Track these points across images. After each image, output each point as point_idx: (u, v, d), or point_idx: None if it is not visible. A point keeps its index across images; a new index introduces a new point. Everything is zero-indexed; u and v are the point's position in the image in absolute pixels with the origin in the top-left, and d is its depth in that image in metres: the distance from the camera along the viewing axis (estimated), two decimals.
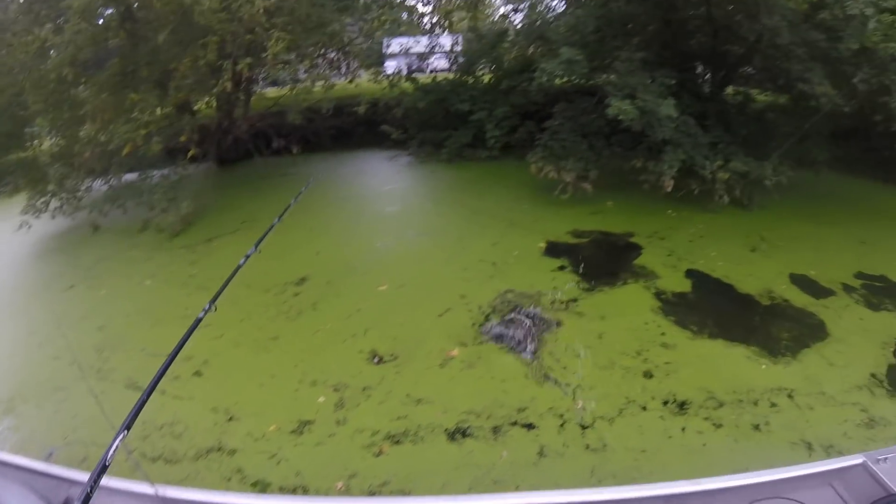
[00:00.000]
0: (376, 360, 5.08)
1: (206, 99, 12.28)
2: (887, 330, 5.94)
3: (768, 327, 5.84)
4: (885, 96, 8.10)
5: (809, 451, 4.12)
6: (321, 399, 4.55)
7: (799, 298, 6.49)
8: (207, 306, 3.26)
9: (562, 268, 7.03)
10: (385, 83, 11.88)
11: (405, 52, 15.92)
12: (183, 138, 9.66)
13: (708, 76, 11.68)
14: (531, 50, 11.70)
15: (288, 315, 5.89)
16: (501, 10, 12.46)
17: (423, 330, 5.57)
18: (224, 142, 12.70)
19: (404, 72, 14.24)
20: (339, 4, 11.19)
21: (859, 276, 7.30)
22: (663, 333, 5.60)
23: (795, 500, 1.77)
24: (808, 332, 5.80)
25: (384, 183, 11.40)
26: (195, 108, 12.18)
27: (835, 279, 7.07)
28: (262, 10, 8.40)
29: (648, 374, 4.99)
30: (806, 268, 7.33)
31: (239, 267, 3.93)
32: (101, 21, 9.20)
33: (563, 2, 13.01)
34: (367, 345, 5.30)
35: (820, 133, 10.04)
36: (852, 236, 8.81)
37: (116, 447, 1.67)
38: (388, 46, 16.32)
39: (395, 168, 12.68)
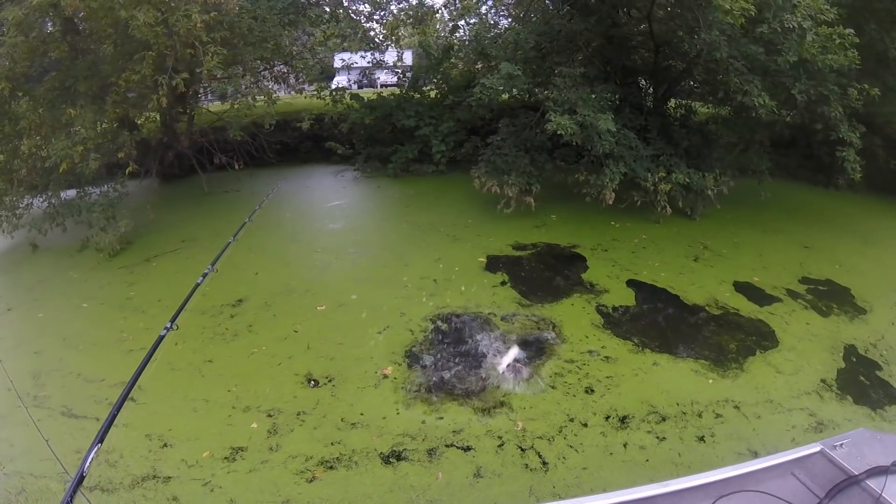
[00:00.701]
0: (311, 383, 4.89)
1: (149, 114, 11.93)
2: (835, 334, 5.98)
3: (713, 337, 5.77)
4: (824, 106, 8.28)
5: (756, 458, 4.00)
6: (254, 425, 4.40)
7: (744, 306, 6.48)
8: (169, 324, 3.55)
9: (503, 283, 6.87)
10: (328, 99, 11.62)
11: (352, 67, 15.69)
12: (122, 155, 9.16)
13: (651, 90, 11.82)
14: (479, 65, 11.69)
15: (224, 337, 5.68)
16: (449, 26, 12.30)
17: (360, 350, 5.39)
18: (166, 158, 12.30)
19: (354, 86, 14.07)
20: (284, 19, 10.98)
21: (804, 280, 7.39)
22: (604, 347, 5.45)
23: (760, 492, 1.81)
24: (755, 340, 5.75)
25: (329, 199, 11.11)
26: (138, 122, 11.75)
27: (780, 285, 7.11)
28: (199, 25, 8.14)
29: (589, 390, 4.83)
30: (750, 275, 7.37)
31: (197, 285, 4.13)
32: (42, 32, 8.85)
33: (508, 18, 13.19)
34: (302, 367, 5.11)
35: (761, 143, 10.27)
36: (796, 242, 8.95)
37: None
38: (340, 61, 16.12)
39: (341, 184, 12.42)
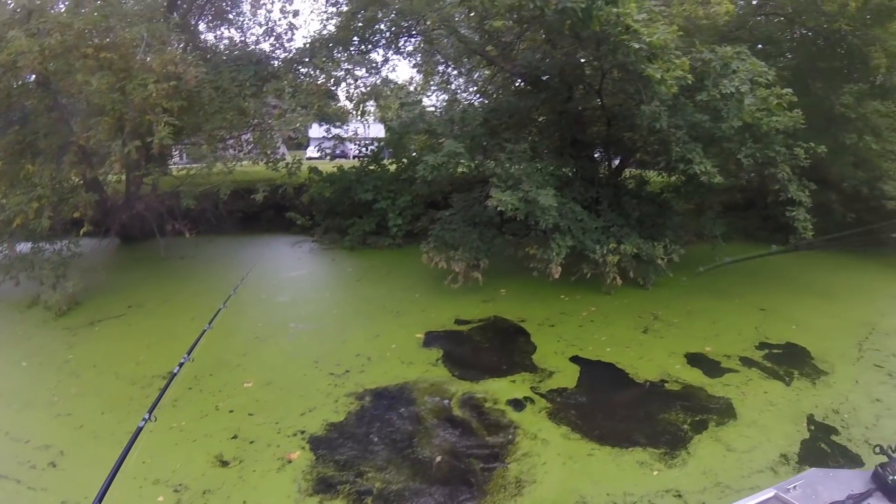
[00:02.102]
0: (221, 462, 4.67)
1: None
2: (797, 402, 5.68)
3: (658, 417, 5.42)
4: (771, 168, 8.32)
5: None
6: (160, 498, 4.27)
7: (697, 379, 6.18)
8: (147, 415, 3.75)
9: (439, 360, 6.60)
10: (283, 170, 11.67)
11: (324, 138, 15.91)
12: (77, 214, 9.26)
13: (606, 162, 12.03)
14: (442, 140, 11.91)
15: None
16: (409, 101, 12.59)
17: (275, 431, 5.10)
18: (127, 219, 12.10)
19: (327, 157, 14.30)
20: (245, 91, 11.06)
21: (761, 346, 7.18)
22: (539, 430, 5.10)
23: None
24: (707, 416, 5.42)
25: (281, 270, 10.97)
26: (102, 182, 11.72)
27: (734, 353, 6.87)
28: (155, 95, 8.27)
29: (518, 483, 4.42)
30: (702, 345, 7.14)
31: (174, 375, 4.48)
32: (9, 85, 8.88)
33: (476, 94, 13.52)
34: (216, 446, 4.87)
35: (712, 208, 10.26)
36: (752, 305, 8.83)
37: None
38: (322, 131, 16.37)
39: (297, 255, 12.33)
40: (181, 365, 4.33)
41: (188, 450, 4.82)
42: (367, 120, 15.09)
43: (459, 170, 8.12)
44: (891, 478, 2.07)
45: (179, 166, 13.85)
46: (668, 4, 8.64)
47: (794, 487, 2.05)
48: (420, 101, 9.02)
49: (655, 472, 4.52)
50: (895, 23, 9.77)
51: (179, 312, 8.17)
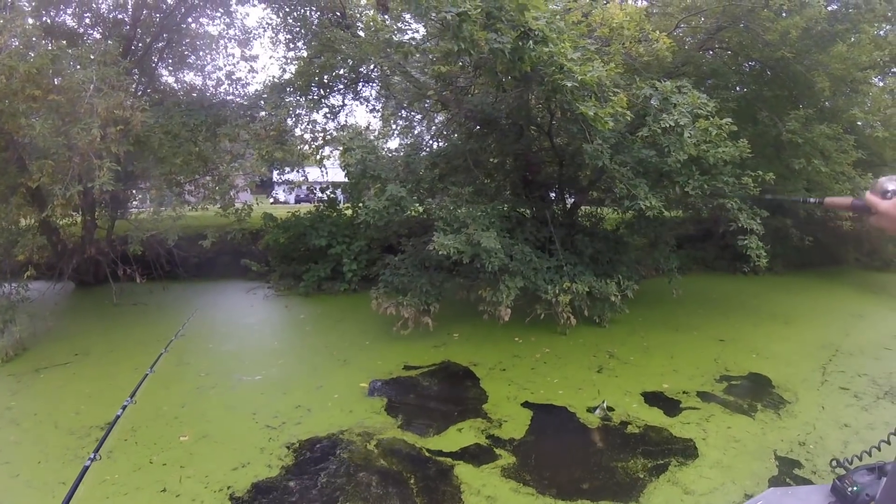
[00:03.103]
0: None
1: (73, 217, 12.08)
2: (762, 436, 5.48)
3: (611, 463, 5.13)
4: (721, 198, 8.37)
5: None
6: None
7: (654, 419, 5.95)
8: (93, 455, 3.74)
9: (382, 409, 6.32)
10: (232, 216, 11.53)
11: (280, 182, 15.90)
12: (21, 257, 9.27)
13: (561, 201, 12.08)
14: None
15: (83, 461, 5.04)
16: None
17: (206, 486, 4.85)
18: (81, 263, 12.10)
19: (292, 200, 14.20)
20: (197, 135, 11.02)
21: (722, 378, 7.04)
22: (484, 485, 4.76)
23: None
24: (664, 459, 5.13)
25: (233, 317, 10.66)
26: (58, 225, 11.70)
27: (694, 388, 6.71)
28: (98, 140, 8.16)
29: None
30: (659, 382, 6.97)
31: (118, 417, 4.55)
32: None
33: (427, 135, 13.59)
34: (147, 500, 4.65)
35: (666, 242, 10.28)
36: (711, 336, 8.77)
37: None
38: (271, 173, 16.33)
39: (250, 301, 12.03)
40: (124, 408, 4.31)
41: (119, 502, 4.63)
42: (324, 165, 15.12)
43: (406, 214, 8.03)
44: (850, 489, 2.06)
45: (139, 210, 13.75)
46: (608, 44, 8.77)
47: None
48: (368, 145, 8.91)
49: None
50: (835, 47, 10.05)
51: (124, 360, 7.96)
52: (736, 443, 5.36)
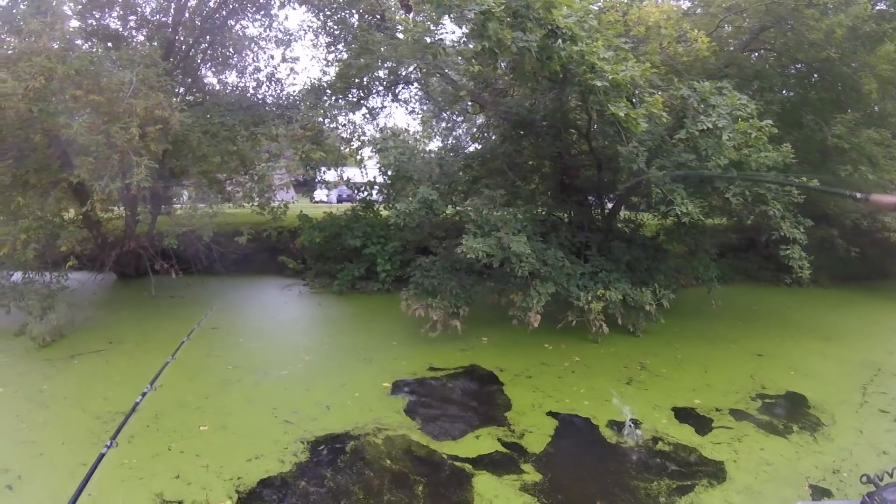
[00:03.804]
0: (163, 501, 4.56)
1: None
2: (796, 459, 5.20)
3: (635, 482, 4.90)
4: (763, 205, 8.03)
5: None
6: None
7: (684, 437, 5.69)
8: (109, 442, 4.12)
9: (403, 410, 6.25)
10: (268, 214, 11.71)
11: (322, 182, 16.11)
12: (64, 248, 9.36)
13: (600, 206, 11.76)
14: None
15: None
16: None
17: (218, 476, 4.91)
18: (122, 256, 12.41)
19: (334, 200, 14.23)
20: (241, 135, 11.21)
21: (758, 396, 6.74)
22: (496, 496, 4.61)
23: None
24: (690, 481, 4.87)
25: (265, 315, 10.77)
26: (95, 219, 12.02)
27: (727, 406, 6.42)
28: (138, 137, 8.40)
29: None
30: (691, 397, 6.71)
31: (136, 404, 4.95)
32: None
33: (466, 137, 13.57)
34: (160, 486, 4.72)
35: (706, 251, 9.90)
36: (748, 350, 8.43)
37: None
38: (322, 173, 16.61)
39: (285, 299, 12.14)
40: (144, 395, 4.54)
41: (133, 487, 4.72)
42: (364, 166, 15.21)
43: (440, 217, 7.94)
44: None
45: (180, 207, 14.09)
46: (644, 43, 8.52)
47: None
48: (402, 146, 8.90)
49: None
50: (883, 47, 9.55)
51: (155, 350, 8.09)
52: (768, 466, 5.09)
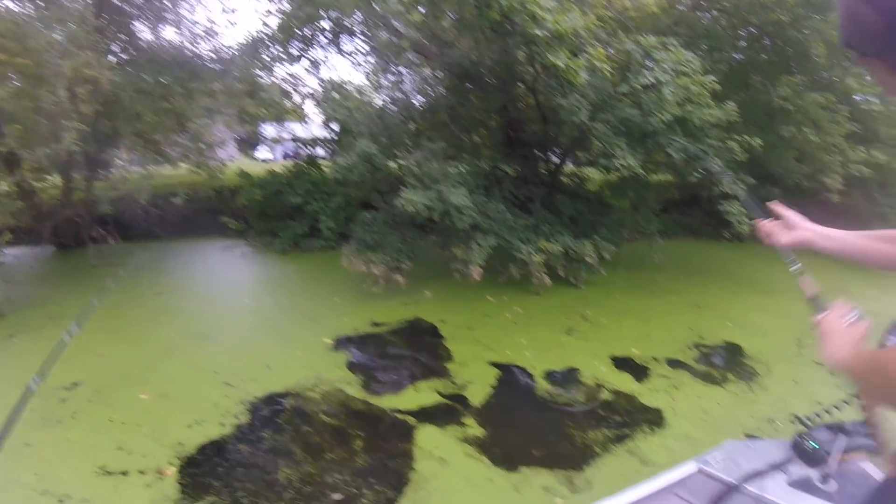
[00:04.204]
0: (105, 474, 4.54)
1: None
2: (733, 408, 5.34)
3: (571, 430, 4.97)
4: (703, 161, 8.14)
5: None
6: None
7: (623, 385, 5.80)
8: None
9: (345, 366, 6.24)
10: (204, 173, 11.32)
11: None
12: None
13: (544, 160, 11.74)
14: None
15: (48, 422, 5.28)
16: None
17: (158, 444, 4.84)
18: (59, 226, 11.88)
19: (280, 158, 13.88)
20: (175, 92, 10.70)
21: (696, 346, 6.89)
22: (436, 447, 4.66)
23: None
24: (627, 430, 4.94)
25: (206, 277, 10.57)
26: (32, 188, 11.55)
27: (664, 355, 6.55)
28: (66, 100, 8.03)
29: None
30: (629, 346, 6.81)
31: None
32: None
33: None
34: (102, 458, 4.64)
35: (648, 205, 10.03)
36: (688, 302, 8.63)
37: None
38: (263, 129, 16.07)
39: (227, 260, 11.88)
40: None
41: (77, 462, 4.63)
42: (305, 120, 14.77)
43: (383, 172, 7.79)
44: (809, 444, 2.10)
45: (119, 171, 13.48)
46: None
47: (714, 459, 2.13)
48: (342, 99, 8.63)
49: (559, 500, 4.03)
50: (835, 14, 9.66)
51: (97, 321, 7.50)
52: (705, 415, 5.20)
